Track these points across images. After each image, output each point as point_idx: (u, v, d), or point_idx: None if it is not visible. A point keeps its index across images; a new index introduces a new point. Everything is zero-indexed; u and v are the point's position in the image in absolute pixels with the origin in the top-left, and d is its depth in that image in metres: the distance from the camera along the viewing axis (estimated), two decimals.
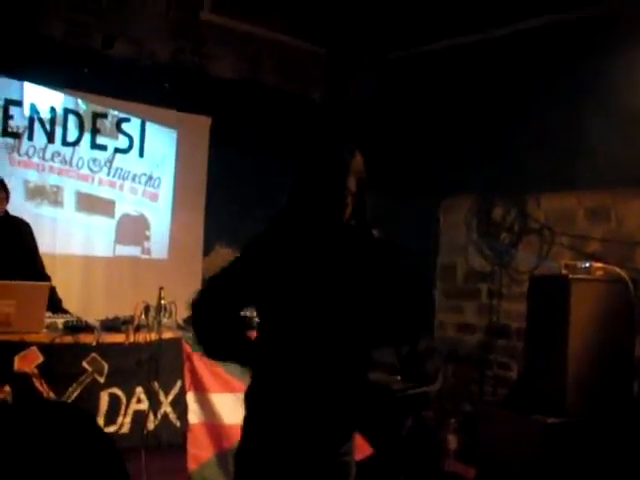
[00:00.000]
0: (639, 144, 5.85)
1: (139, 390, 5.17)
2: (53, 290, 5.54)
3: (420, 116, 7.71)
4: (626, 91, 5.97)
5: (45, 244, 5.92)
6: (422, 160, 7.62)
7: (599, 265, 5.65)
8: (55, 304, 5.53)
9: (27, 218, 5.90)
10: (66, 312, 5.53)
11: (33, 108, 6.74)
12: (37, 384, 4.81)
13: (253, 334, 3.10)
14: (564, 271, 5.53)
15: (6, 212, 5.67)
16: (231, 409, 5.51)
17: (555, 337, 5.49)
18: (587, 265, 5.59)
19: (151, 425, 5.29)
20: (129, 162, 7.25)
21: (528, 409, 5.53)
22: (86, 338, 5.09)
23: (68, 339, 5.03)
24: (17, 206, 6.04)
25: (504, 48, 7.01)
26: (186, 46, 7.54)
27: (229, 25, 7.72)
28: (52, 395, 4.90)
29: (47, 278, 5.69)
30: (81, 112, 6.99)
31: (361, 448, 6.36)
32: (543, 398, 5.51)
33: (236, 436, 5.49)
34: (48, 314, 5.13)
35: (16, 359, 4.75)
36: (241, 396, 5.23)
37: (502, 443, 5.69)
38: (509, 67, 6.98)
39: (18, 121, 6.68)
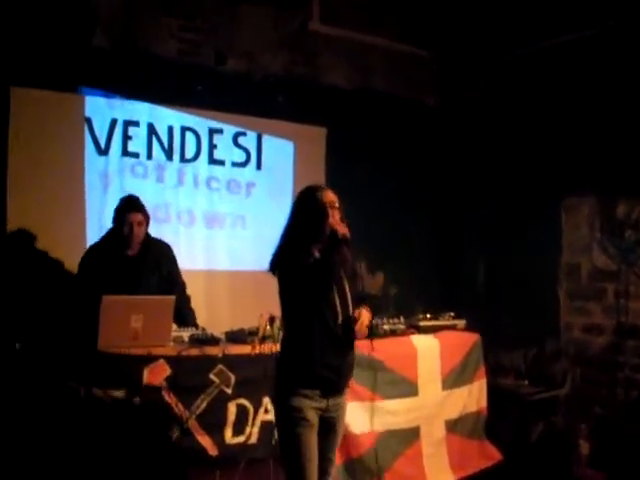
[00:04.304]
0: None
1: (266, 400, 5.18)
2: (185, 301, 5.65)
3: (535, 116, 7.60)
4: None
5: None
6: (541, 160, 7.49)
7: None
8: (185, 316, 5.63)
9: None
10: (196, 325, 5.62)
11: (151, 128, 6.88)
12: (166, 396, 4.91)
13: None
14: None
15: (147, 235, 5.69)
16: (359, 418, 5.48)
17: None
18: None
19: None
20: (247, 176, 7.33)
21: None
22: (212, 350, 5.17)
23: (194, 351, 5.12)
24: None
25: (618, 43, 6.82)
26: (297, 57, 7.60)
27: (338, 34, 7.75)
28: (180, 407, 4.98)
29: (187, 299, 5.83)
30: (197, 129, 7.10)
31: (491, 454, 6.28)
32: None
33: (364, 445, 5.50)
34: (174, 327, 5.23)
35: (145, 372, 4.86)
36: (368, 405, 5.20)
37: (635, 447, 5.53)
38: (624, 62, 6.78)
39: (137, 141, 6.82)
